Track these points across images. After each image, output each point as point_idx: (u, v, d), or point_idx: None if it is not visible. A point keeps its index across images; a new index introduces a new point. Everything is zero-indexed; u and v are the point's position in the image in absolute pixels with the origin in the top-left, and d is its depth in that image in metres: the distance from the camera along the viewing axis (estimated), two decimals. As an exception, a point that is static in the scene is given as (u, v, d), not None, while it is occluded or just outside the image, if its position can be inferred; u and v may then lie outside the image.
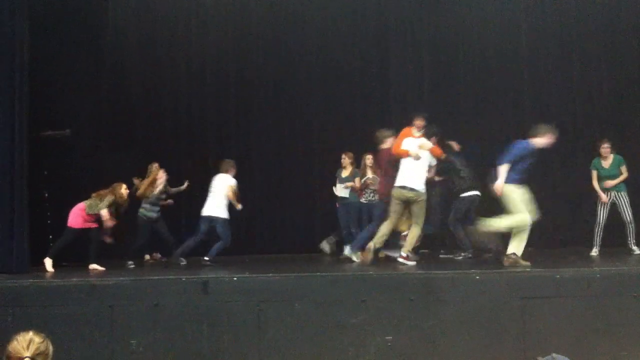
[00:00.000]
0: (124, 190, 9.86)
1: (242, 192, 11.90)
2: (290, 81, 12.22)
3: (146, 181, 10.47)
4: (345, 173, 11.00)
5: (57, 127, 10.67)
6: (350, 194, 10.93)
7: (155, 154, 11.30)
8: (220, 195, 10.18)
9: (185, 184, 11.09)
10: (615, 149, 10.52)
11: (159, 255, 11.01)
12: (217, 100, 12.26)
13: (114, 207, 9.76)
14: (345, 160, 10.99)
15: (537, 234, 9.73)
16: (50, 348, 3.58)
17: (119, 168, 10.81)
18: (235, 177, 10.38)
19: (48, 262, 9.33)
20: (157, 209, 10.50)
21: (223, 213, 10.14)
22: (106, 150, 11.56)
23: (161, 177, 10.54)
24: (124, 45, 12.07)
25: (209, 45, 12.24)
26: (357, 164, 11.02)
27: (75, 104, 10.97)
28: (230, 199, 10.17)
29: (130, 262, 10.06)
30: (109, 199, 9.64)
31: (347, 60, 12.21)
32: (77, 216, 9.56)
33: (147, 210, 10.39)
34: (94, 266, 9.40)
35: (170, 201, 10.92)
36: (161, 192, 10.54)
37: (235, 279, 7.89)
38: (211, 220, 10.11)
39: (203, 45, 12.24)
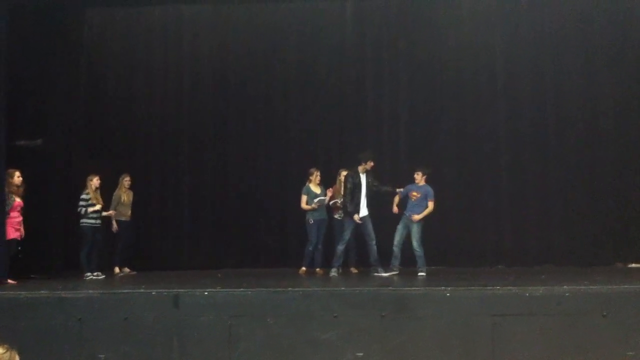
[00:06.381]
0: (16, 177, 9.31)
1: (216, 205, 11.92)
2: (267, 95, 12.20)
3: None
4: (316, 188, 10.85)
5: (31, 137, 10.60)
6: (322, 211, 10.75)
7: (128, 164, 11.31)
8: None
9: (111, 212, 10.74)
10: None
11: (127, 269, 10.90)
12: (192, 111, 12.20)
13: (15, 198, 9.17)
14: (316, 175, 10.85)
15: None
16: (17, 358, 3.54)
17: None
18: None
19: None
20: (95, 217, 10.24)
21: None
22: (80, 159, 11.51)
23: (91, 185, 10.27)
24: (101, 55, 12.11)
25: (185, 57, 12.24)
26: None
27: (50, 114, 10.92)
28: None
29: (87, 274, 9.95)
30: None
31: (325, 77, 12.15)
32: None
33: (87, 219, 10.18)
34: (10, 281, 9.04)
35: (110, 212, 10.69)
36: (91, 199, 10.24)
37: (206, 293, 7.82)
38: None
39: (179, 57, 12.24)
